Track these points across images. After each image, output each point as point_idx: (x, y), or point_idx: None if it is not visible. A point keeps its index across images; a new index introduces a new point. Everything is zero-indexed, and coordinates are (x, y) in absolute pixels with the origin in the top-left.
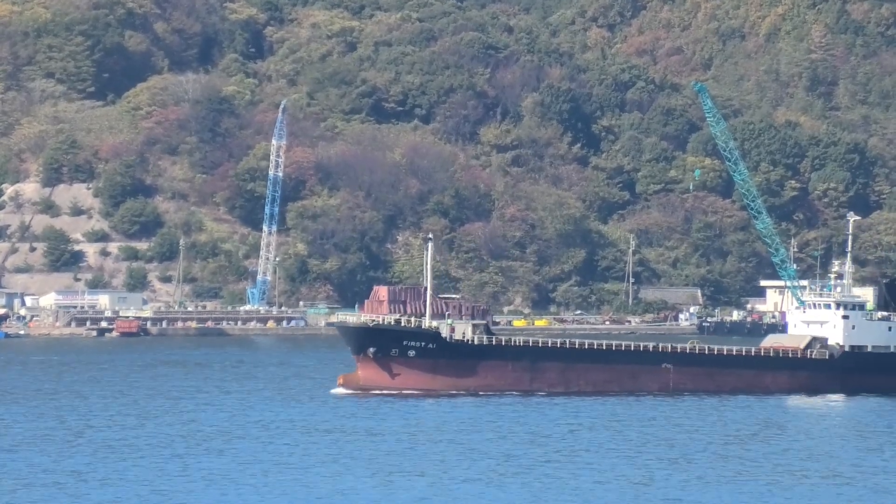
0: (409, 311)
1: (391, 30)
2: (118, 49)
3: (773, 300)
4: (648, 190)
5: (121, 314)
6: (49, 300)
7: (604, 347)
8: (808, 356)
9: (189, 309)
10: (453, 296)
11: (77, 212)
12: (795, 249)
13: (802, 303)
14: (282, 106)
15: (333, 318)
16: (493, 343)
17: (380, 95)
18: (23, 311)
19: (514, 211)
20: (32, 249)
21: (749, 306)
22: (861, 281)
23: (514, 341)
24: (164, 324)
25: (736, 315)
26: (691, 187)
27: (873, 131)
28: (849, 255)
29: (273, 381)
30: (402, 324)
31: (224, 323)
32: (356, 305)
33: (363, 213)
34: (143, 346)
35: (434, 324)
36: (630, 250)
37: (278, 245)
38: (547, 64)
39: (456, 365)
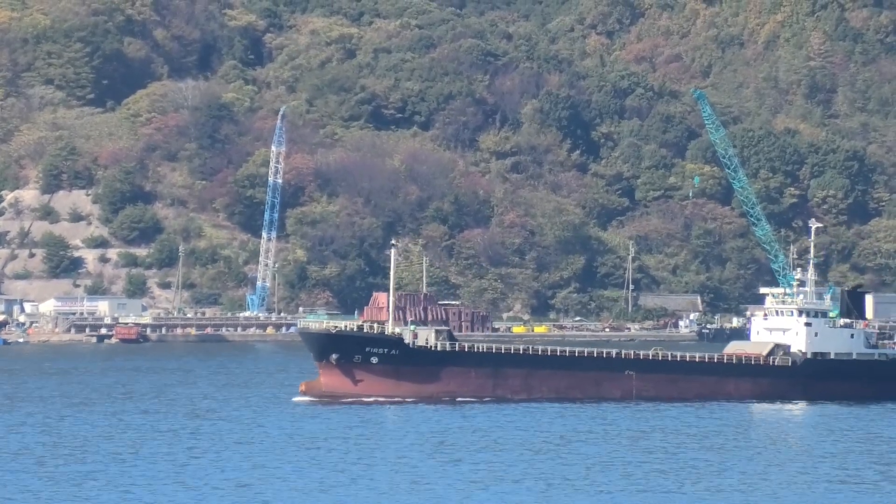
0: (409, 317)
1: (390, 37)
2: (117, 56)
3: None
4: (648, 197)
5: (120, 321)
6: (48, 307)
7: (567, 354)
8: (771, 363)
9: (188, 315)
10: (453, 302)
11: (76, 218)
12: (795, 256)
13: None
14: (281, 112)
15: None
16: (456, 349)
17: (379, 102)
18: (22, 318)
19: (514, 217)
20: (32, 256)
21: (748, 313)
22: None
23: (477, 348)
24: (164, 330)
25: (735, 322)
26: (691, 194)
27: (872, 138)
28: (811, 262)
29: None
30: (365, 330)
31: (223, 329)
32: (355, 312)
33: (362, 219)
34: (142, 353)
35: (397, 330)
36: (629, 257)
37: (277, 251)
38: (546, 71)
39: (419, 371)
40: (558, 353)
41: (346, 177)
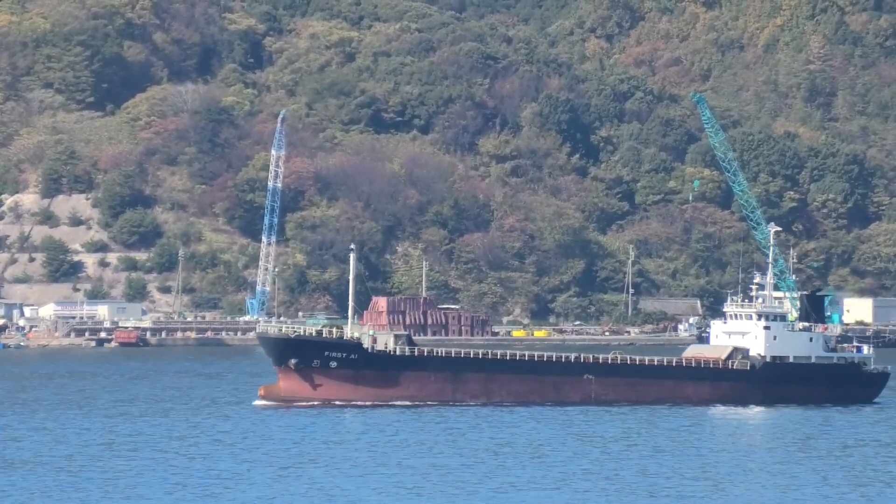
0: (408, 321)
1: (390, 40)
2: (117, 59)
3: None
4: (647, 200)
5: (120, 325)
6: (48, 311)
7: (526, 358)
8: (730, 367)
9: (188, 319)
10: (452, 306)
11: (76, 222)
12: (794, 260)
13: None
14: (281, 116)
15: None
16: (416, 354)
17: (379, 106)
18: (22, 322)
19: (513, 221)
20: (31, 260)
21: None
22: (860, 293)
23: (437, 352)
24: (164, 334)
25: None
26: (690, 198)
27: (872, 142)
28: (770, 266)
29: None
30: (324, 335)
31: (223, 333)
32: (355, 316)
33: (362, 223)
34: (141, 357)
35: (356, 335)
36: (629, 261)
37: (277, 255)
38: (546, 74)
39: (378, 376)
40: (517, 358)
41: (346, 181)
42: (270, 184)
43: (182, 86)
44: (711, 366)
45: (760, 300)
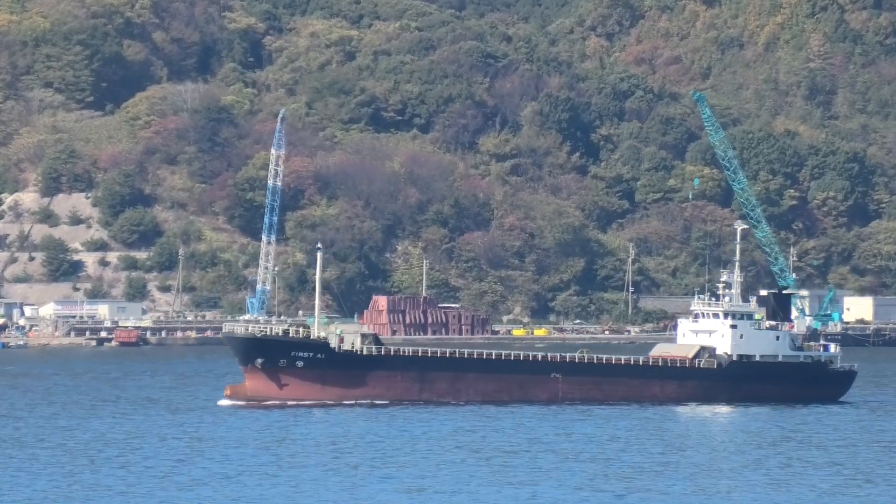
0: (408, 320)
1: (390, 39)
2: (117, 58)
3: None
4: (647, 199)
5: (120, 324)
6: (48, 310)
7: (493, 357)
8: (697, 365)
9: (188, 318)
10: (453, 305)
11: (76, 221)
12: (795, 258)
13: (802, 311)
14: (280, 115)
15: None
16: (382, 353)
17: (379, 105)
18: (22, 321)
19: (514, 220)
20: (31, 259)
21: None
22: (860, 291)
23: (403, 351)
24: (164, 333)
25: None
26: (690, 196)
27: (872, 140)
28: (737, 264)
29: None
30: (291, 334)
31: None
32: (355, 315)
33: (362, 222)
34: (141, 356)
35: (322, 334)
36: (629, 259)
37: (277, 254)
38: (546, 73)
39: (345, 375)
40: (484, 357)
41: (346, 180)
42: (270, 183)
43: (182, 85)
44: (678, 364)
45: (727, 299)
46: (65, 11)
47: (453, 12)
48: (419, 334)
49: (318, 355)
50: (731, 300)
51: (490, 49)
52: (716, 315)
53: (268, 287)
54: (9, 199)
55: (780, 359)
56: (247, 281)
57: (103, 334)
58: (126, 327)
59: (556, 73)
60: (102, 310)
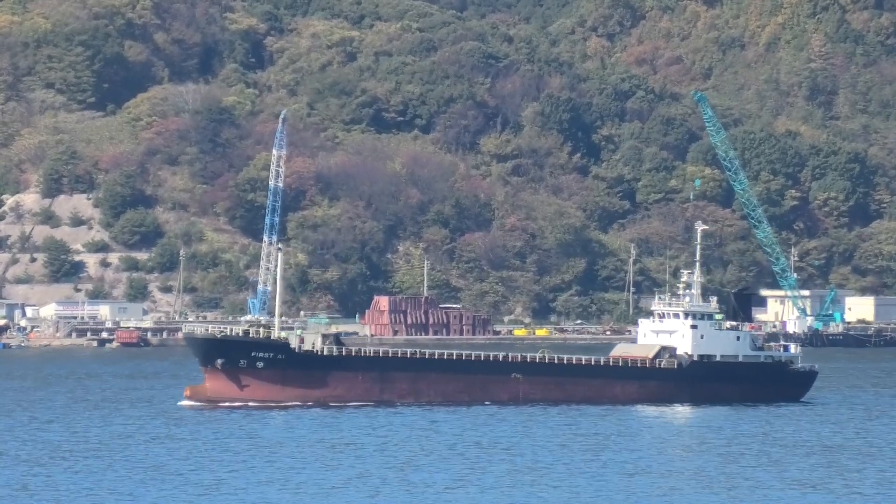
0: (409, 321)
1: (391, 39)
2: (118, 59)
3: (774, 310)
4: (649, 199)
5: (121, 325)
6: (49, 311)
7: (454, 358)
8: (657, 366)
9: (190, 319)
10: (454, 306)
11: (77, 222)
12: (796, 258)
13: (803, 311)
14: (282, 116)
15: (334, 328)
16: (343, 354)
17: (380, 105)
18: (23, 322)
19: (515, 221)
20: (33, 260)
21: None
22: (861, 291)
23: (364, 352)
24: (165, 334)
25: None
26: (692, 197)
27: (873, 140)
28: (697, 264)
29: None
30: (251, 335)
31: None
32: (357, 315)
33: (363, 223)
34: (142, 356)
35: (283, 335)
36: (630, 260)
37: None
38: (547, 73)
39: (305, 376)
40: (445, 357)
41: (348, 180)
42: (271, 183)
43: (183, 86)
44: (639, 365)
45: (688, 299)
46: (66, 12)
47: (454, 13)
48: (420, 335)
49: (279, 356)
50: (691, 300)
51: (491, 50)
52: (676, 315)
53: (269, 288)
54: (10, 201)
55: (740, 359)
56: (248, 282)
57: (104, 335)
58: (127, 328)
59: (557, 73)
60: (104, 310)
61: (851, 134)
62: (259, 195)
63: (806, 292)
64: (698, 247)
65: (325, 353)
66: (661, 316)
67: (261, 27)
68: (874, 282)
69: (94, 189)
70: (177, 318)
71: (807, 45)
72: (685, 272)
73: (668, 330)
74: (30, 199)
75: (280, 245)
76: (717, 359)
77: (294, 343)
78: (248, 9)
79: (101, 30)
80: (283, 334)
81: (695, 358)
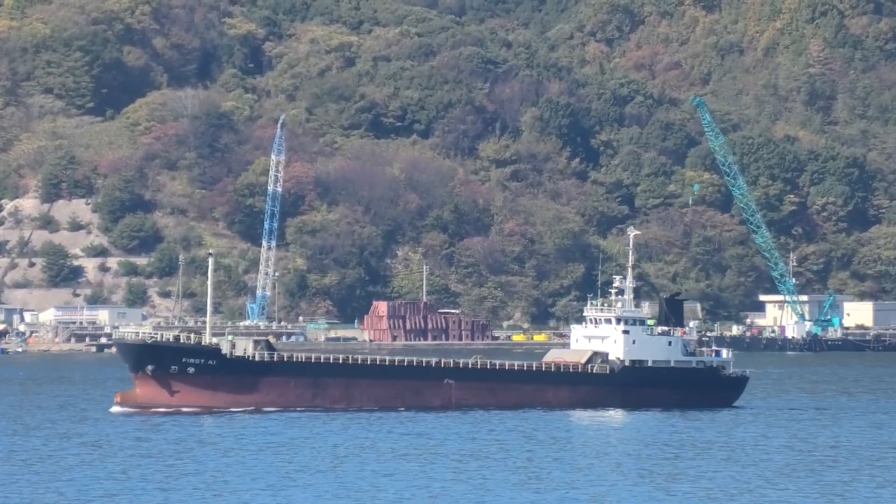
0: (408, 325)
1: (390, 45)
2: (117, 64)
3: (773, 314)
4: (647, 204)
5: (120, 329)
6: (48, 316)
7: (386, 363)
8: (589, 371)
9: (189, 324)
10: (453, 311)
11: (76, 227)
12: (794, 263)
13: (802, 316)
14: (281, 121)
15: (333, 333)
16: (275, 359)
17: (379, 110)
18: (22, 327)
19: (513, 226)
20: (31, 265)
21: (748, 321)
22: (860, 296)
23: (296, 357)
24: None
25: (735, 330)
26: (690, 202)
27: (872, 145)
28: (629, 269)
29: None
30: (182, 340)
31: None
32: (355, 320)
33: (362, 228)
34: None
35: (214, 340)
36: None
37: (277, 260)
38: (546, 78)
39: (236, 381)
40: (378, 363)
41: (346, 185)
42: (270, 188)
43: (182, 91)
44: (571, 370)
45: (620, 304)
46: (65, 18)
47: (453, 18)
48: (419, 340)
49: (210, 361)
50: (623, 306)
51: (490, 55)
52: (608, 321)
53: (268, 292)
54: (9, 206)
55: (672, 364)
56: (247, 286)
57: (103, 340)
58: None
59: (555, 78)
60: (102, 315)
61: (850, 139)
62: (258, 200)
63: (804, 297)
64: (630, 251)
65: (257, 358)
66: (594, 322)
67: (259, 32)
68: (873, 287)
69: (92, 194)
70: (176, 322)
71: (805, 50)
72: (617, 278)
73: (600, 335)
74: (29, 204)
75: (212, 251)
76: (649, 364)
77: (226, 349)
78: (246, 14)
79: (99, 35)
80: (215, 340)
81: (626, 363)
